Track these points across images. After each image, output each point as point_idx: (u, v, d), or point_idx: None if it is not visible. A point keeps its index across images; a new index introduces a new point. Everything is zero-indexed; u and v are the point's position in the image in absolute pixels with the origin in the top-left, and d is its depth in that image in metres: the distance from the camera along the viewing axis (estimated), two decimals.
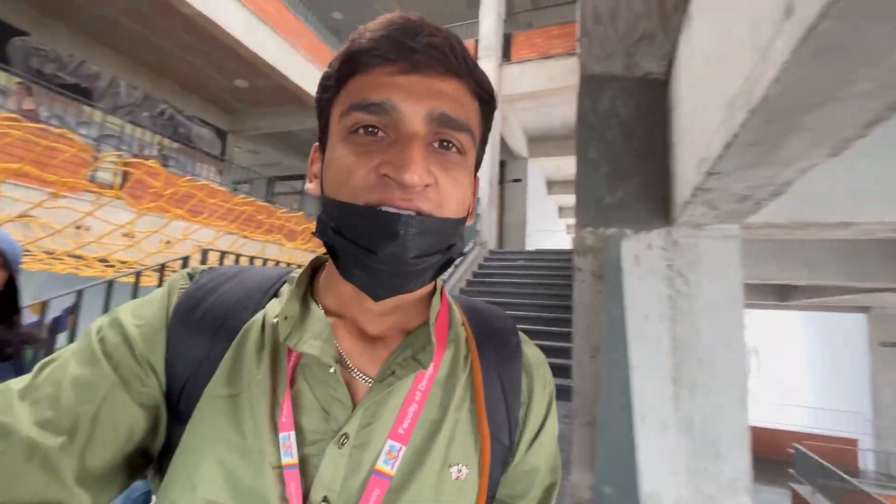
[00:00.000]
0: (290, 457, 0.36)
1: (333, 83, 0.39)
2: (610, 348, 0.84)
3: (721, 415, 1.54)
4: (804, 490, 7.45)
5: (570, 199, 12.39)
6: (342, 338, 0.41)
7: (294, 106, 8.94)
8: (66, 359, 0.38)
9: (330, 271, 0.44)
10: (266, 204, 5.23)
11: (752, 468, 1.52)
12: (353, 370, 0.40)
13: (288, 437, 0.37)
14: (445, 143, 0.37)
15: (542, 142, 10.00)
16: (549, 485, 0.49)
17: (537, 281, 5.54)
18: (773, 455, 9.65)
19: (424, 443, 0.39)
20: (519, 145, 9.33)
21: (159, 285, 2.38)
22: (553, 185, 12.29)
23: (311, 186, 0.42)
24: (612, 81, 1.88)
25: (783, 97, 0.71)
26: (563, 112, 8.18)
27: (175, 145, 7.52)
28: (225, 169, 8.50)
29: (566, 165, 10.38)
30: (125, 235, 3.56)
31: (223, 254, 2.50)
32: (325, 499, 0.36)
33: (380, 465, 0.37)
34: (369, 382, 0.40)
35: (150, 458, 0.40)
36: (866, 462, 8.56)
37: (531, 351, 0.50)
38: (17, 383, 0.36)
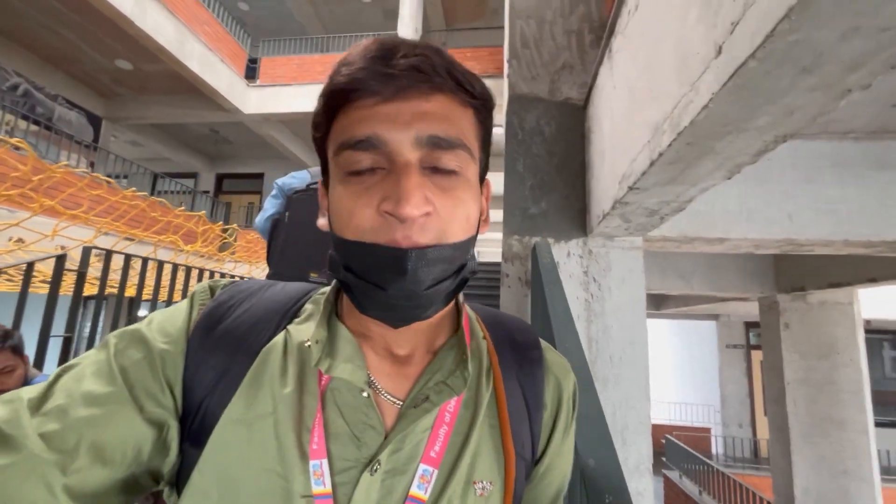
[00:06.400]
0: (321, 486, 0.35)
1: (322, 121, 0.39)
2: (559, 339, 0.91)
3: (628, 405, 1.72)
4: (673, 475, 8.61)
5: None
6: (369, 359, 0.41)
7: (187, 96, 8.09)
8: (84, 368, 0.36)
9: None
10: (162, 200, 4.61)
11: None
12: (381, 392, 0.40)
13: (320, 466, 0.36)
14: (443, 163, 0.37)
15: None
16: (559, 487, 0.48)
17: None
18: None
19: (453, 464, 0.39)
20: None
21: (24, 288, 1.99)
22: None
23: (322, 222, 0.42)
24: (537, 103, 2.04)
25: (705, 123, 0.85)
26: None
27: (32, 128, 6.33)
28: (99, 160, 7.36)
29: None
30: None
31: (109, 252, 2.17)
32: None
33: (414, 491, 0.37)
34: (397, 405, 0.40)
35: (157, 477, 0.38)
36: (717, 447, 10.17)
37: (555, 361, 0.49)
38: (30, 392, 0.35)
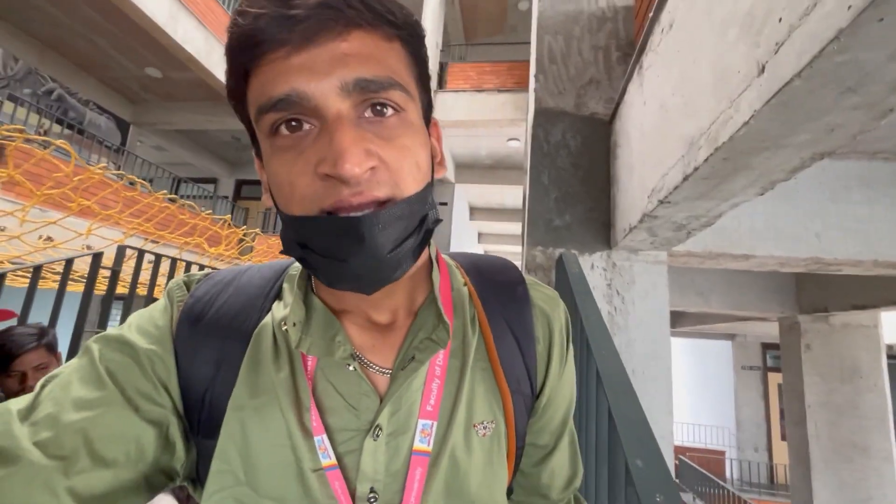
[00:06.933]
0: (328, 458, 0.36)
1: (234, 86, 0.35)
2: (595, 349, 0.93)
3: (651, 420, 1.71)
4: (687, 497, 8.40)
5: (490, 226, 12.92)
6: (352, 331, 0.41)
7: (213, 104, 8.34)
8: (69, 376, 0.35)
9: None
10: (192, 204, 4.75)
11: None
12: (368, 364, 0.40)
13: (322, 440, 0.37)
14: (378, 107, 0.33)
15: (468, 169, 10.41)
16: (566, 411, 0.49)
17: None
18: None
19: (450, 413, 0.40)
20: (447, 170, 9.61)
21: (62, 281, 2.05)
22: (475, 212, 12.78)
23: (265, 198, 0.39)
24: (563, 117, 2.07)
25: (744, 139, 0.87)
26: (490, 143, 8.63)
27: (63, 131, 6.56)
28: (124, 163, 7.58)
29: (488, 193, 10.88)
30: None
31: (142, 252, 2.23)
32: (371, 490, 0.37)
33: (417, 445, 0.38)
34: (386, 373, 0.40)
35: (171, 475, 0.38)
36: (732, 470, 9.91)
37: (540, 293, 0.48)
38: (18, 403, 0.34)
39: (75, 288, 2.97)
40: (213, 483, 0.36)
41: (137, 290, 2.49)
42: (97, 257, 1.99)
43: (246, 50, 0.32)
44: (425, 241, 0.37)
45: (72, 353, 1.99)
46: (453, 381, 0.41)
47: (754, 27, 0.78)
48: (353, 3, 0.32)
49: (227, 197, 10.79)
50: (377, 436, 0.37)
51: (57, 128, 6.18)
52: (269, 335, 0.40)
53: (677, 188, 1.15)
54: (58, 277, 1.98)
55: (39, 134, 6.22)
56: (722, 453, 10.14)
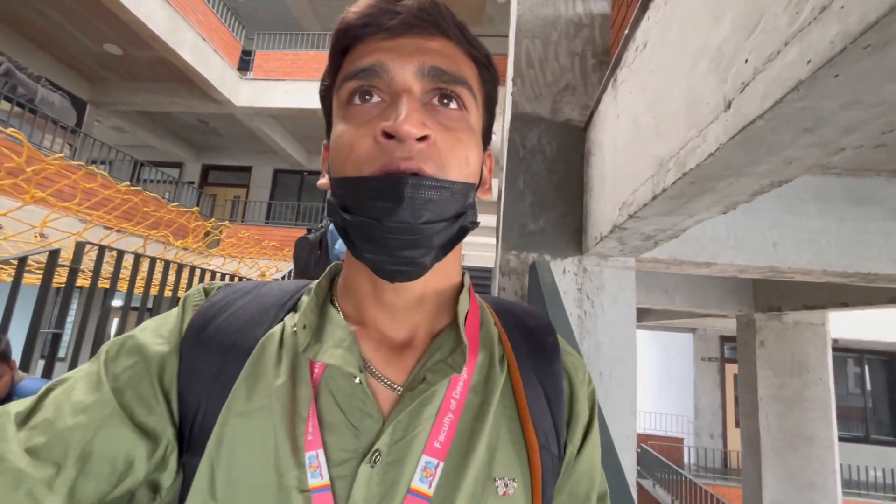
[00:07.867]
0: (319, 478, 0.33)
1: (330, 69, 0.39)
2: None
3: (615, 420, 1.78)
4: (647, 484, 8.82)
5: None
6: (366, 347, 0.39)
7: (177, 84, 7.96)
8: (75, 382, 0.35)
9: (346, 272, 0.42)
10: (156, 196, 4.53)
11: None
12: (380, 378, 0.38)
13: (316, 457, 0.34)
14: (444, 100, 0.36)
15: None
16: (603, 493, 0.44)
17: None
18: None
19: (463, 457, 0.35)
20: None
21: (15, 281, 1.94)
22: None
23: (322, 181, 0.40)
24: (539, 122, 2.10)
25: (711, 167, 0.91)
26: None
27: (12, 109, 6.11)
28: (81, 145, 7.17)
29: None
30: None
31: (102, 248, 2.14)
32: None
33: (415, 484, 0.34)
34: (398, 391, 0.37)
35: (157, 490, 0.36)
36: (689, 456, 10.45)
37: (567, 352, 0.45)
38: (18, 406, 0.33)
39: (29, 280, 2.81)
40: (194, 496, 0.34)
41: (99, 283, 2.38)
42: (54, 254, 1.89)
43: (352, 30, 0.37)
44: (458, 238, 0.37)
45: (26, 354, 1.89)
46: (467, 420, 0.37)
47: (723, 64, 0.81)
48: (447, 17, 0.37)
49: (192, 183, 10.39)
50: (375, 462, 0.34)
51: (5, 105, 5.77)
52: (276, 342, 0.38)
53: (646, 205, 1.19)
54: (8, 269, 1.87)
55: None
56: (681, 440, 10.67)
